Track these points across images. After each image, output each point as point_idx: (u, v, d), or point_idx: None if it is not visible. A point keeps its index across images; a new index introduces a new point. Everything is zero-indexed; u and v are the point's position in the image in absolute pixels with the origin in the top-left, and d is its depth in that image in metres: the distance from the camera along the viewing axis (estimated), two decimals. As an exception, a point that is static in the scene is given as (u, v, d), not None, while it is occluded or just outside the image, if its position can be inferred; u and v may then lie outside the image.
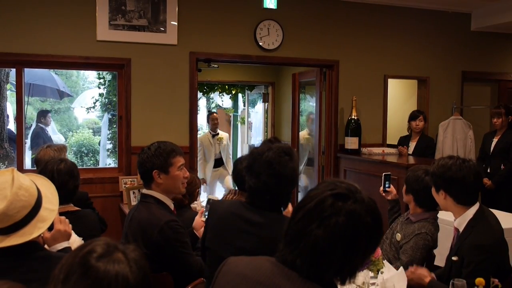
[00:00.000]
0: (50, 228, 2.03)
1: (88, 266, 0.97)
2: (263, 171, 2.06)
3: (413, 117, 5.87)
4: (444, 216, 3.30)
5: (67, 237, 2.19)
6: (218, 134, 7.44)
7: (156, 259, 2.52)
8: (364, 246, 1.29)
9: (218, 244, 2.11)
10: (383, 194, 3.34)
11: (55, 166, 2.75)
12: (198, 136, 6.94)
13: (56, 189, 2.60)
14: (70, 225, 2.23)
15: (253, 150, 2.18)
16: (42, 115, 7.47)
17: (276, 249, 1.37)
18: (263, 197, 2.08)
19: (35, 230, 1.71)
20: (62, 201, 2.67)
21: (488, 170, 5.62)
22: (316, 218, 1.28)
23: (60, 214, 2.64)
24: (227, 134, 7.70)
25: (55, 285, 0.96)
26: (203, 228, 2.61)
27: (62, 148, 3.64)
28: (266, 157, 2.06)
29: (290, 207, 2.33)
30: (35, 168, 3.62)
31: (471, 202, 2.51)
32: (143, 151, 2.70)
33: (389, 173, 3.37)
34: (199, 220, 2.80)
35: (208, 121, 7.64)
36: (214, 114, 7.64)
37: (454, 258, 2.48)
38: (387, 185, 3.32)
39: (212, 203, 2.44)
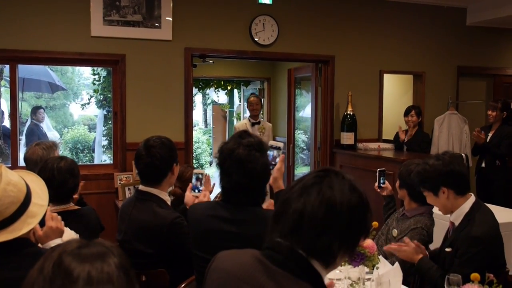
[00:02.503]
0: (42, 224, 2.01)
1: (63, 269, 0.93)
2: (234, 171, 2.02)
3: (405, 112, 5.89)
4: (439, 211, 3.30)
5: (60, 234, 2.17)
6: (259, 122, 6.27)
7: (162, 257, 2.54)
8: (346, 218, 1.27)
9: (203, 250, 2.08)
10: (378, 190, 3.34)
11: (55, 164, 2.69)
12: (236, 123, 6.53)
13: (56, 188, 2.60)
14: (63, 222, 2.21)
15: (222, 146, 2.12)
16: (34, 111, 7.44)
17: (260, 243, 1.37)
18: (236, 196, 2.06)
19: (24, 226, 1.70)
20: (62, 200, 2.66)
21: (483, 165, 5.63)
22: (299, 194, 1.30)
23: (60, 213, 2.63)
24: (270, 125, 6.50)
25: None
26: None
27: (51, 146, 3.46)
28: (237, 155, 2.02)
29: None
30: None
31: (468, 188, 2.55)
32: (155, 147, 2.62)
33: (383, 169, 3.37)
34: (190, 196, 2.77)
35: (247, 106, 6.45)
36: (253, 97, 6.41)
37: (447, 250, 2.49)
38: (382, 181, 3.31)
39: (190, 208, 2.41)
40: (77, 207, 2.80)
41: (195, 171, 2.89)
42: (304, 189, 1.31)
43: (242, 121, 6.54)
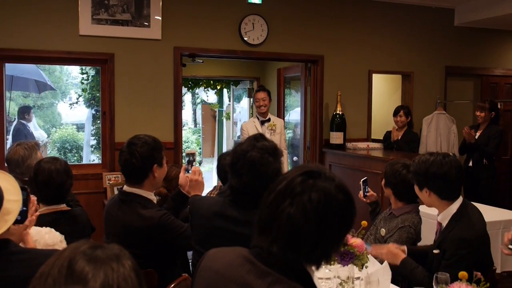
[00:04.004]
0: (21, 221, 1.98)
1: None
2: (246, 172, 2.02)
3: (394, 112, 5.93)
4: (426, 209, 3.32)
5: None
6: (269, 120, 5.53)
7: (153, 257, 2.51)
8: (337, 222, 1.27)
9: (206, 247, 2.08)
10: (364, 199, 3.35)
11: (52, 166, 2.68)
12: (243, 122, 6.02)
13: (54, 189, 2.59)
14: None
15: (236, 147, 2.13)
16: (25, 111, 7.37)
17: None
18: (245, 197, 2.05)
19: (1, 224, 1.67)
20: (55, 201, 2.68)
21: (470, 164, 5.68)
22: (287, 196, 1.27)
23: (53, 213, 2.61)
24: (281, 121, 5.77)
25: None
26: (191, 179, 2.70)
27: (33, 146, 3.45)
28: (250, 156, 2.02)
29: None
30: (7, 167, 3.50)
31: (454, 197, 2.52)
32: (136, 145, 2.56)
33: (365, 178, 3.38)
34: (184, 177, 2.76)
35: (254, 102, 5.69)
36: (261, 92, 5.54)
37: (435, 252, 2.50)
38: (366, 190, 3.33)
39: (193, 202, 2.39)
40: (68, 207, 2.79)
41: (186, 151, 2.90)
42: (293, 197, 1.27)
43: (249, 120, 5.83)
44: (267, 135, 4.88)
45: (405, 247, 2.69)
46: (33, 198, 1.99)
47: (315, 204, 1.25)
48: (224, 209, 2.11)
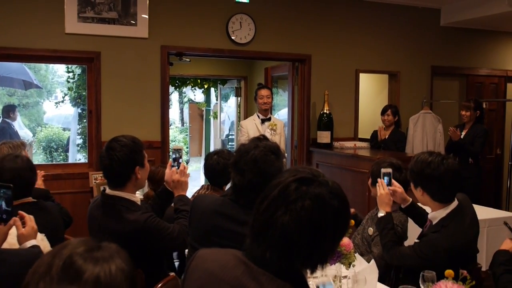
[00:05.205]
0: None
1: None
2: (248, 169, 2.07)
3: (382, 111, 5.95)
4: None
5: (35, 234, 2.14)
6: (269, 119, 5.46)
7: (140, 259, 2.48)
8: (332, 229, 1.26)
9: (203, 244, 2.07)
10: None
11: (12, 164, 2.68)
12: (243, 121, 5.93)
13: (17, 184, 2.57)
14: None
15: (240, 147, 2.20)
16: (10, 110, 7.29)
17: None
18: (247, 195, 2.06)
19: None
20: (21, 195, 2.68)
21: (456, 163, 5.73)
22: (281, 204, 1.26)
23: (20, 205, 2.59)
24: (282, 122, 5.65)
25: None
26: (173, 180, 2.70)
27: (19, 145, 3.47)
28: (252, 155, 2.08)
29: None
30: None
31: (447, 200, 2.50)
32: (114, 148, 2.47)
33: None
34: (169, 173, 2.73)
35: (255, 100, 5.56)
36: (265, 89, 5.51)
37: (416, 241, 2.54)
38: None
39: (195, 199, 2.38)
40: (34, 200, 2.78)
41: (173, 147, 2.87)
42: (287, 205, 1.25)
43: (249, 118, 5.78)
44: (267, 135, 4.97)
45: (410, 199, 2.78)
46: None
47: (309, 213, 1.23)
48: (224, 208, 2.13)
